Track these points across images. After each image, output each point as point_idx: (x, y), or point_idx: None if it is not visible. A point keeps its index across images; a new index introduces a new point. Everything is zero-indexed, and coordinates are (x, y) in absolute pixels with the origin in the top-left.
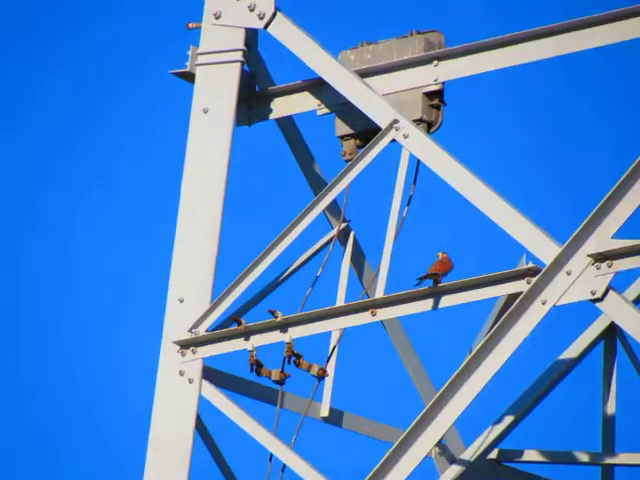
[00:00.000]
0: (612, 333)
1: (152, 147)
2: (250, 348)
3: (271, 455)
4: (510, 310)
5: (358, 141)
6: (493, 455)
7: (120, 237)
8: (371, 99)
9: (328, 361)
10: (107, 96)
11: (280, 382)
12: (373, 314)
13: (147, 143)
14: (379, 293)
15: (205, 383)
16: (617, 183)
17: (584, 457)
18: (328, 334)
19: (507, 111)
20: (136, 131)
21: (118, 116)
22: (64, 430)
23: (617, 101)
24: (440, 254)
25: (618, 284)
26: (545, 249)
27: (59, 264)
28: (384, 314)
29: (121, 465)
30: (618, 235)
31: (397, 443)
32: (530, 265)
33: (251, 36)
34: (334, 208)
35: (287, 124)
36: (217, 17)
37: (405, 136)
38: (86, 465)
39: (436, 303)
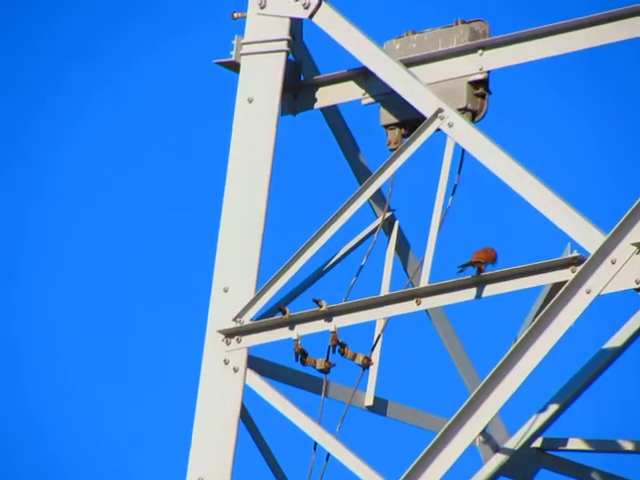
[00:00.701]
0: None
1: (198, 143)
2: (295, 337)
3: (315, 444)
4: (555, 299)
5: (403, 130)
6: (537, 444)
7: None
8: (416, 88)
9: (373, 350)
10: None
11: (325, 371)
12: (418, 303)
13: (195, 137)
14: (423, 282)
15: (250, 372)
16: None
17: (629, 445)
18: (373, 323)
19: (552, 100)
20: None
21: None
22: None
23: None
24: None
25: None
26: (590, 238)
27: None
28: (428, 303)
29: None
30: None
31: (441, 432)
32: (575, 254)
33: (296, 26)
34: (379, 197)
35: (332, 113)
36: (262, 7)
37: (450, 125)
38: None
39: (480, 292)
